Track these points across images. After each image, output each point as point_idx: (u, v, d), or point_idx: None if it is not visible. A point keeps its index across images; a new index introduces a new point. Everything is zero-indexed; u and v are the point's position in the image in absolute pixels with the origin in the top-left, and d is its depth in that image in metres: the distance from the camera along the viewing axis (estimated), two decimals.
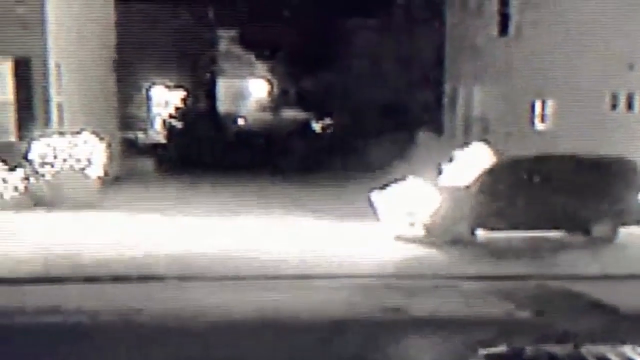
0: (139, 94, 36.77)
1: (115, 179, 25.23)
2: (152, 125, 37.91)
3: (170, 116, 36.23)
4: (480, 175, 20.25)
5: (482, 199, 19.48)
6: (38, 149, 23.11)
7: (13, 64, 24.39)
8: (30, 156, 23.02)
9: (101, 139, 23.92)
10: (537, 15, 27.40)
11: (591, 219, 19.55)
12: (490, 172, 20.55)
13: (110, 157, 24.54)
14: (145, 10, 33.11)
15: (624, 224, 19.64)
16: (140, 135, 36.42)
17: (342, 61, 34.37)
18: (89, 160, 23.37)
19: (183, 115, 35.75)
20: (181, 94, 37.26)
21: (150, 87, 37.90)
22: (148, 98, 38.23)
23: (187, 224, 20.58)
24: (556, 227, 19.63)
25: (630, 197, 19.63)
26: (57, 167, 23.10)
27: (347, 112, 33.30)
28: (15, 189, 23.02)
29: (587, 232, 19.50)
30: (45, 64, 24.39)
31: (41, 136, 23.32)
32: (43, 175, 23.11)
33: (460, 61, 32.15)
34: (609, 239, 19.40)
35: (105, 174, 23.87)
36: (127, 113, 33.17)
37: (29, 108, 24.48)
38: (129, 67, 32.12)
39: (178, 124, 35.35)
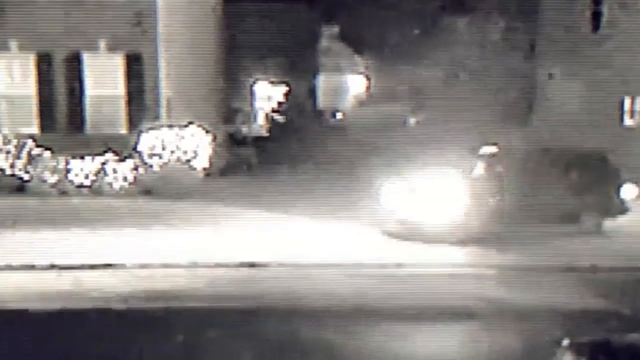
0: (243, 89, 37.15)
1: (219, 170, 25.47)
2: (255, 119, 38.37)
3: (273, 110, 36.73)
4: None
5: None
6: (147, 140, 23.60)
7: (125, 60, 24.93)
8: (139, 147, 23.50)
9: (207, 131, 24.20)
10: (629, 13, 26.68)
11: (579, 211, 19.49)
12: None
13: (215, 149, 24.86)
14: (251, 8, 33.51)
15: (608, 215, 19.85)
16: (244, 128, 36.82)
17: (437, 57, 34.19)
18: (195, 152, 23.74)
19: (285, 109, 36.02)
20: (283, 89, 37.53)
21: (254, 82, 38.31)
22: (252, 93, 38.66)
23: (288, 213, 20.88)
24: (546, 220, 19.11)
25: (612, 190, 19.94)
26: (164, 159, 23.50)
27: (440, 106, 33.20)
28: (125, 178, 23.51)
29: (575, 223, 19.44)
30: (155, 59, 24.92)
31: (150, 129, 23.83)
32: (151, 166, 23.50)
33: (552, 57, 31.67)
34: (596, 230, 19.48)
35: (210, 165, 24.11)
36: (231, 107, 33.57)
37: (139, 102, 25.05)
38: (234, 63, 32.59)
39: (280, 118, 35.70)
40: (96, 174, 23.56)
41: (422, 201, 18.86)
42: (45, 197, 23.06)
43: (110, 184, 23.40)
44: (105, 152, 23.71)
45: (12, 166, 23.81)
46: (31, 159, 23.86)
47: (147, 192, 23.25)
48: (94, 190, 23.44)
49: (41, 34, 24.60)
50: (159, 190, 23.04)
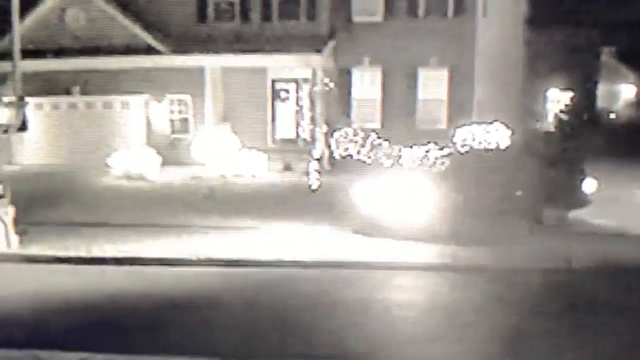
0: (538, 94, 37.09)
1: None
2: (546, 118, 38.13)
3: (560, 111, 35.99)
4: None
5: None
6: (461, 134, 24.30)
7: (449, 72, 25.63)
8: (454, 139, 24.18)
9: (507, 127, 24.55)
10: None
11: (543, 205, 17.88)
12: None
13: (513, 141, 24.61)
14: (547, 31, 33.53)
15: (572, 208, 18.17)
16: (537, 125, 36.67)
17: None
18: (497, 144, 23.83)
19: (570, 110, 35.56)
20: (570, 94, 37.08)
21: (547, 89, 38.16)
22: (544, 97, 38.44)
23: None
24: (510, 215, 17.10)
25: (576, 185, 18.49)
26: (473, 148, 23.55)
27: None
28: (442, 163, 22.78)
29: (540, 218, 17.78)
30: (471, 71, 25.34)
31: (463, 125, 24.54)
32: (462, 154, 23.57)
33: None
34: (562, 222, 17.82)
35: None
36: (529, 108, 33.42)
37: (456, 104, 25.60)
38: (532, 74, 32.37)
39: (565, 117, 35.15)
40: (421, 159, 23.69)
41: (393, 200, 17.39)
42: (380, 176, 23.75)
43: (431, 167, 22.90)
44: (428, 142, 24.01)
45: (358, 152, 25.02)
46: (373, 147, 24.90)
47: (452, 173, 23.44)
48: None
49: (387, 53, 25.71)
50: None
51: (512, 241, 15.92)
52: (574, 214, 18.04)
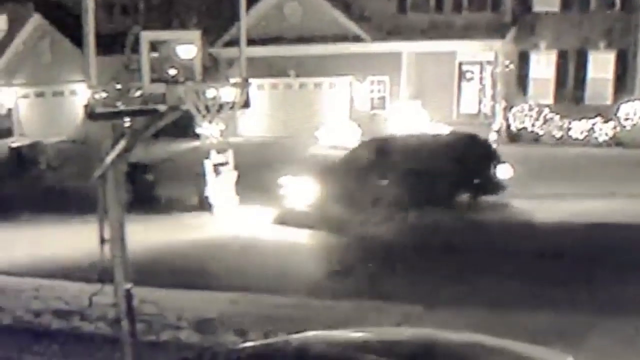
0: None
1: None
2: None
3: None
4: (344, 157, 18.57)
5: (346, 180, 17.28)
6: (624, 109, 26.20)
7: (616, 55, 27.52)
8: (618, 114, 26.24)
9: None
10: None
11: (454, 193, 17.19)
12: (352, 154, 18.66)
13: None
14: None
15: (483, 194, 17.51)
16: None
17: None
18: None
19: None
20: None
21: None
22: None
23: None
24: (420, 204, 16.19)
25: (486, 171, 17.65)
26: (634, 122, 25.91)
27: None
28: (606, 134, 26.36)
29: (450, 204, 16.90)
30: (635, 54, 27.11)
31: (627, 101, 26.40)
32: (624, 127, 26.10)
33: None
34: (471, 208, 17.12)
35: None
36: None
37: (621, 83, 27.33)
38: None
39: None
40: (588, 131, 26.41)
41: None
42: (551, 146, 26.25)
43: (597, 138, 26.32)
44: (595, 116, 26.39)
45: (532, 125, 27.43)
46: (546, 121, 27.19)
47: (620, 144, 25.73)
48: (584, 142, 26.18)
49: (561, 39, 27.79)
50: (629, 143, 25.26)
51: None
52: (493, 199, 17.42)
